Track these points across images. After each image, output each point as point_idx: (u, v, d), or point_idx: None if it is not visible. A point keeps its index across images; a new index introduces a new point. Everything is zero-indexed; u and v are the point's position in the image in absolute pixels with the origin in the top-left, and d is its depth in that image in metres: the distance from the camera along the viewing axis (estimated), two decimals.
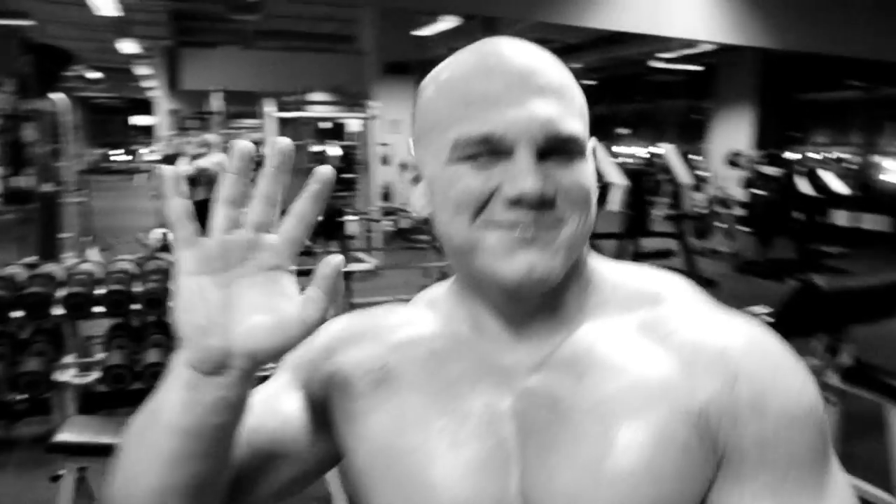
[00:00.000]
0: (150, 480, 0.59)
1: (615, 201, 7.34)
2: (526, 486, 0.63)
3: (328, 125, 10.49)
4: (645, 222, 7.85)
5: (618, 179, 7.27)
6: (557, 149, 0.60)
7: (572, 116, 0.62)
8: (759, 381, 0.60)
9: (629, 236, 7.69)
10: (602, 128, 17.10)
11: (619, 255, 7.67)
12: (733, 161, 10.11)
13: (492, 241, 0.60)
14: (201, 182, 6.93)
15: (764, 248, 8.55)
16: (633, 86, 16.30)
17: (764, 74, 12.00)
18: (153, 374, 3.13)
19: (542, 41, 0.68)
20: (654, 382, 0.61)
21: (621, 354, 0.64)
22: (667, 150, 8.68)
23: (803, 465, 0.60)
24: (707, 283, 7.64)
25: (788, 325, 3.41)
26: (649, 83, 15.38)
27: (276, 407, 0.71)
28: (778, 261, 8.18)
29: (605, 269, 0.71)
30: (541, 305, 0.66)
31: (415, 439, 0.66)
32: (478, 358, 0.67)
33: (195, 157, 7.46)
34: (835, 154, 12.13)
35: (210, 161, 7.21)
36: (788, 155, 10.71)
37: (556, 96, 0.61)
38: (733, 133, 12.00)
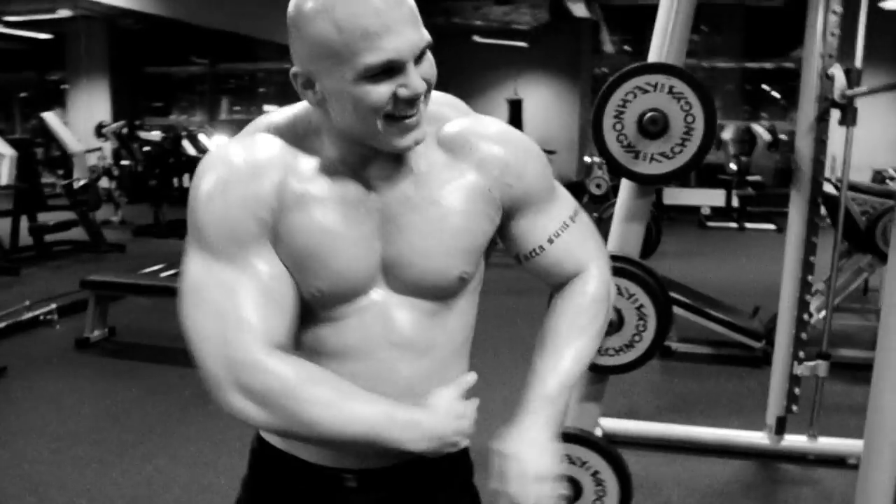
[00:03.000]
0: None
1: (4, 174, 6.73)
2: (385, 252, 0.96)
3: None
4: (40, 195, 7.40)
5: (4, 150, 6.66)
6: (421, 54, 0.87)
7: (422, 27, 0.87)
8: (515, 163, 1.00)
9: (25, 211, 7.16)
10: None
11: (14, 232, 7.09)
12: (101, 132, 10.13)
13: (393, 129, 0.88)
14: None
15: (158, 211, 8.92)
16: None
17: (115, 47, 12.17)
18: None
19: None
20: (470, 188, 0.98)
21: (436, 167, 0.98)
22: (48, 118, 8.19)
23: (546, 191, 1.03)
24: (115, 248, 7.70)
25: None
26: None
27: (281, 279, 0.93)
28: (177, 220, 8.74)
29: None
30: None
31: (322, 230, 0.93)
32: (355, 182, 0.95)
33: None
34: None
35: None
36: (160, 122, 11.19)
37: (415, 18, 0.86)
38: (94, 105, 11.88)
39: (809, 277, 2.82)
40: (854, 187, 4.05)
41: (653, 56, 1.94)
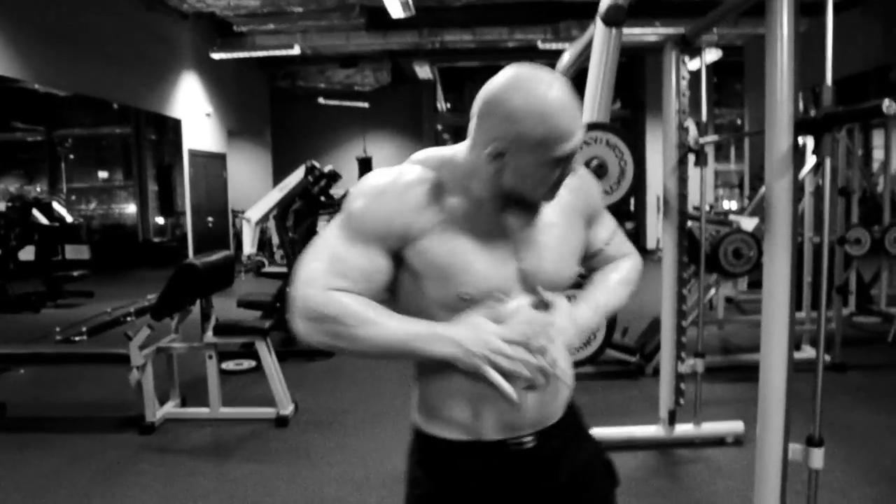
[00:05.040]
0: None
1: None
2: (521, 266, 1.24)
3: None
4: None
5: None
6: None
7: None
8: (591, 191, 1.39)
9: None
10: None
11: None
12: None
13: (551, 194, 1.21)
14: None
15: (4, 284, 8.43)
16: None
17: None
18: None
19: None
20: (569, 209, 1.32)
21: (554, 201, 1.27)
22: None
23: (602, 211, 1.42)
24: None
25: (174, 298, 4.07)
26: None
27: (376, 264, 1.21)
28: (27, 294, 8.33)
29: None
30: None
31: (463, 250, 1.20)
32: (493, 217, 1.24)
33: None
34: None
35: None
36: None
37: None
38: None
39: (683, 291, 3.43)
40: (695, 217, 4.81)
41: (586, 117, 2.44)
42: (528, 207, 1.26)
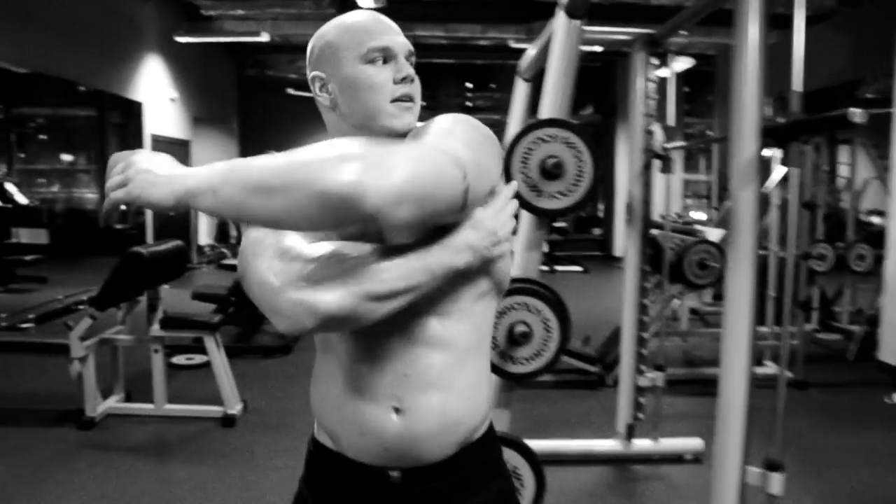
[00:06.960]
0: None
1: None
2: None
3: None
4: None
5: None
6: (408, 58, 1.13)
7: None
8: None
9: None
10: None
11: None
12: None
13: (392, 109, 1.09)
14: None
15: None
16: None
17: None
18: None
19: None
20: None
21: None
22: None
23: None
24: None
25: (118, 288, 3.89)
26: None
27: None
28: None
29: None
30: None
31: None
32: None
33: None
34: None
35: None
36: None
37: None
38: None
39: (645, 301, 3.33)
40: (660, 225, 4.72)
41: (544, 113, 2.32)
42: None
